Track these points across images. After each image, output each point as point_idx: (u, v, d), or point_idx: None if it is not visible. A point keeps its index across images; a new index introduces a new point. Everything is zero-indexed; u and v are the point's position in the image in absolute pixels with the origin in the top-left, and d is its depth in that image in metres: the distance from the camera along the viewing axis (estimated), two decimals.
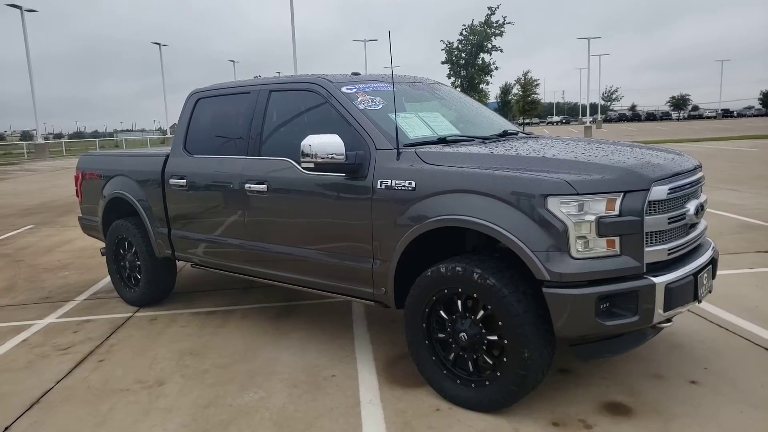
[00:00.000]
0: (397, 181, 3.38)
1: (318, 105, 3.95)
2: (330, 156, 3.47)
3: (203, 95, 4.85)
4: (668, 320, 3.07)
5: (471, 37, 25.69)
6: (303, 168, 3.61)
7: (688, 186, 3.19)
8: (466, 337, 3.16)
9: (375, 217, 3.49)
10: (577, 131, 48.38)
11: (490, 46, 25.67)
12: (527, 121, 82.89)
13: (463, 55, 26.25)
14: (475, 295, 3.08)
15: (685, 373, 3.54)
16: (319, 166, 3.51)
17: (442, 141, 3.72)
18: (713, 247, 3.53)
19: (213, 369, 3.96)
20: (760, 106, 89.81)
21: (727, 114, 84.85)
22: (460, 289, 3.13)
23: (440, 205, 3.19)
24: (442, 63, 26.80)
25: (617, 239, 2.86)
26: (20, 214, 12.02)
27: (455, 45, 26.30)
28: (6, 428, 3.28)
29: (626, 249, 2.87)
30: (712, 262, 3.40)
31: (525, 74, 48.78)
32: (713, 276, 3.45)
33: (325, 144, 3.47)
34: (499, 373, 3.07)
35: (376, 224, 3.48)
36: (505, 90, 63.01)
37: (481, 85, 27.01)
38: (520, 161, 3.15)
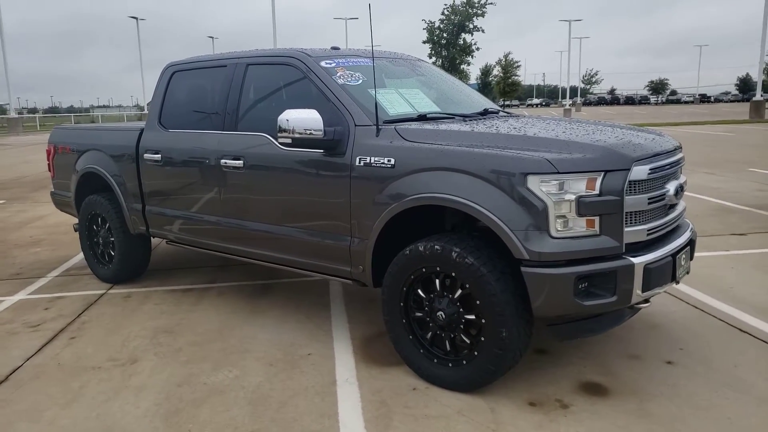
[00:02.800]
0: (376, 158, 3.31)
1: (296, 80, 3.85)
2: (308, 131, 3.39)
3: (179, 68, 4.71)
4: (646, 301, 3.07)
5: (453, 17, 25.47)
6: (280, 143, 3.52)
7: (668, 167, 3.17)
8: (443, 316, 3.13)
9: (353, 194, 3.42)
10: (557, 114, 48.57)
11: (471, 26, 25.49)
12: (507, 102, 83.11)
13: (445, 35, 26.04)
14: (453, 274, 3.05)
15: (662, 353, 3.57)
16: (297, 142, 3.43)
17: (423, 118, 3.65)
18: (691, 229, 3.54)
19: (187, 347, 3.90)
20: (736, 92, 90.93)
21: (704, 99, 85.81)
22: (438, 268, 3.10)
23: (419, 183, 3.14)
24: (424, 42, 26.64)
25: (597, 219, 2.85)
26: None
27: (437, 24, 26.08)
28: None
29: (606, 229, 2.86)
30: (690, 244, 3.40)
31: (506, 56, 48.76)
32: (691, 257, 3.46)
33: (303, 119, 3.38)
34: (476, 353, 3.05)
35: (354, 202, 3.42)
36: (486, 71, 62.95)
37: (462, 66, 26.86)
38: (500, 139, 3.10)
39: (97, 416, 3.05)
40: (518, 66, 50.13)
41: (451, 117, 3.77)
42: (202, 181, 4.30)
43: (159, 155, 4.57)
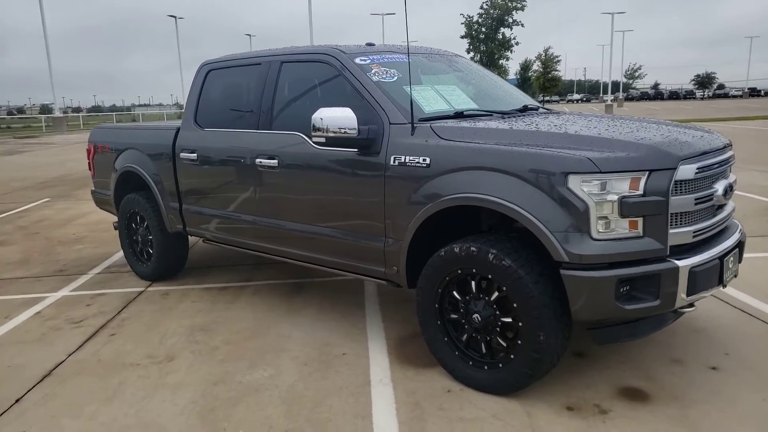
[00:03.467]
0: (411, 157, 3.27)
1: (331, 77, 3.83)
2: (342, 130, 3.36)
3: (214, 67, 4.75)
4: (691, 305, 2.95)
5: (492, 11, 25.13)
6: (314, 143, 3.51)
7: (717, 165, 3.04)
8: (479, 319, 3.08)
9: (388, 194, 3.39)
10: (598, 110, 47.54)
11: (510, 20, 25.10)
12: (547, 98, 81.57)
13: (483, 29, 25.70)
14: (489, 276, 2.99)
15: (705, 358, 3.43)
16: (331, 141, 3.41)
17: (459, 115, 3.59)
18: (740, 230, 3.39)
19: (223, 345, 3.93)
20: None
21: (754, 93, 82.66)
22: (474, 270, 3.04)
23: (455, 183, 3.08)
24: (462, 37, 26.32)
25: (640, 220, 2.74)
26: (37, 187, 12.10)
27: (475, 19, 25.74)
28: (17, 400, 3.29)
29: (649, 230, 2.75)
30: (739, 246, 3.26)
31: (546, 50, 47.80)
32: (739, 260, 3.32)
33: (337, 118, 3.36)
34: (512, 356, 2.99)
35: (389, 202, 3.39)
36: (525, 66, 61.96)
37: (500, 61, 26.47)
38: (540, 137, 3.02)
39: (136, 413, 3.10)
40: (558, 61, 49.16)
41: (489, 114, 3.70)
42: (238, 180, 4.33)
43: (195, 154, 4.62)
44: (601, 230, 2.73)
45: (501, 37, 25.45)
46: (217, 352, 3.83)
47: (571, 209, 2.72)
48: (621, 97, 64.04)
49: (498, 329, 3.05)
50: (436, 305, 3.25)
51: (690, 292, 2.81)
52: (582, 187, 2.71)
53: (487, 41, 25.28)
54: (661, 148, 2.83)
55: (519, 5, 24.45)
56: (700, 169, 2.87)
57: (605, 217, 2.72)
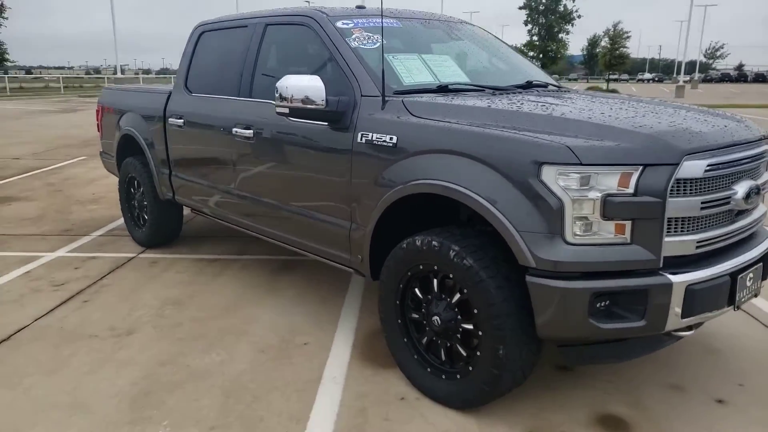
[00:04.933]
0: (378, 135, 2.89)
1: (311, 42, 3.47)
2: (308, 101, 3.01)
3: (207, 28, 4.46)
4: (690, 328, 2.48)
5: None
6: (278, 113, 3.17)
7: (739, 162, 2.51)
8: (439, 322, 2.71)
9: (354, 174, 3.03)
10: (669, 91, 44.83)
11: None
12: (615, 77, 77.41)
13: (544, 0, 24.34)
14: (451, 276, 2.60)
15: (713, 388, 2.94)
16: (295, 112, 3.07)
17: (444, 89, 3.16)
18: None
19: (188, 322, 3.72)
20: None
21: None
22: (435, 267, 2.66)
23: (420, 167, 2.69)
24: (519, 8, 24.99)
25: (628, 224, 2.29)
26: (80, 145, 12.34)
27: None
28: None
29: (639, 237, 2.29)
30: (765, 259, 2.72)
31: (615, 25, 45.02)
32: (765, 276, 2.78)
33: (303, 87, 3.01)
34: (471, 368, 2.61)
35: (355, 183, 3.03)
36: (593, 42, 59.02)
37: (560, 34, 25.02)
38: (519, 118, 2.58)
39: (72, 389, 2.93)
40: (628, 37, 46.25)
41: (480, 89, 3.24)
42: (218, 150, 4.07)
43: (182, 120, 4.38)
44: (578, 233, 2.29)
45: (562, 9, 23.99)
46: (179, 329, 3.63)
47: (543, 206, 2.29)
48: (697, 78, 60.22)
49: (459, 336, 2.67)
50: (398, 302, 2.90)
51: (687, 313, 2.34)
52: (558, 180, 2.27)
53: (547, 13, 23.88)
54: (662, 138, 2.34)
55: None
56: (714, 166, 2.37)
57: (585, 218, 2.28)
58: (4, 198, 7.36)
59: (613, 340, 2.51)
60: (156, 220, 5.10)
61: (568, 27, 24.90)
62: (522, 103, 2.80)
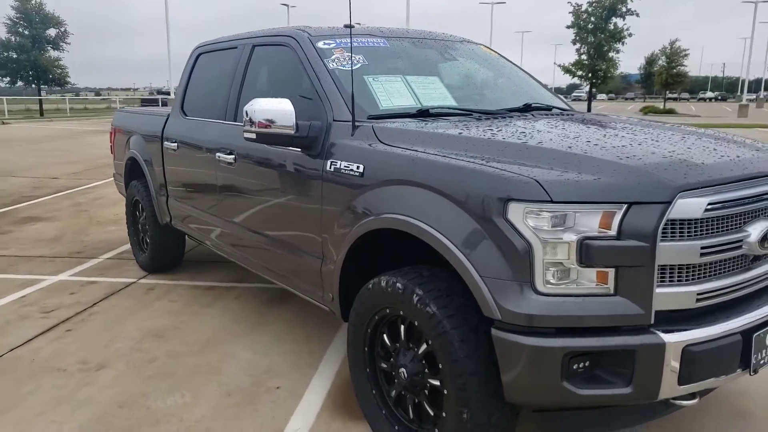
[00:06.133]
0: (346, 163, 2.63)
1: (292, 62, 3.26)
2: (277, 125, 2.78)
3: (204, 50, 4.34)
4: (692, 396, 2.08)
5: None
6: (245, 138, 2.95)
7: (753, 199, 2.12)
8: (405, 375, 2.40)
9: (324, 204, 2.78)
10: (731, 110, 42.89)
11: (624, 9, 22.84)
12: (674, 96, 74.69)
13: (592, 18, 23.62)
14: (415, 323, 2.30)
15: None
16: (262, 137, 2.84)
17: (424, 114, 2.87)
18: None
19: (163, 358, 3.52)
20: None
21: None
22: (401, 312, 2.36)
23: (385, 199, 2.41)
24: (567, 27, 24.37)
25: (611, 272, 1.93)
26: None
27: (584, 8, 23.73)
28: None
29: (624, 287, 1.93)
30: None
31: (672, 43, 43.52)
32: None
33: (271, 111, 2.78)
34: (436, 430, 2.28)
35: (325, 214, 2.78)
36: (651, 60, 57.23)
37: (610, 53, 24.20)
38: (491, 148, 2.26)
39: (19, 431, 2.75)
40: (686, 55, 44.60)
41: (466, 113, 2.94)
42: (206, 175, 3.89)
43: (175, 144, 4.25)
44: (551, 281, 1.95)
45: (612, 27, 23.18)
46: (151, 365, 3.43)
47: (510, 249, 1.97)
48: (762, 96, 57.51)
49: (426, 392, 2.35)
50: (366, 348, 2.61)
51: (685, 379, 1.95)
52: (526, 220, 1.94)
53: (596, 32, 23.13)
54: (652, 171, 1.98)
55: None
56: (716, 205, 1.99)
57: (560, 264, 1.94)
58: (29, 218, 7.47)
59: (602, 406, 2.14)
60: (156, 244, 4.99)
61: (618, 46, 24.06)
62: (500, 130, 2.48)
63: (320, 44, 3.14)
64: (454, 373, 2.11)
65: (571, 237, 1.91)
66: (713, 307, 2.08)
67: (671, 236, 1.94)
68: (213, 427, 2.79)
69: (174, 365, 3.43)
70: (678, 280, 1.98)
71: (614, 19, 23.84)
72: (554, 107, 3.40)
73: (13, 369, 3.40)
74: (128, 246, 6.01)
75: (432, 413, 2.33)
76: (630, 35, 24.05)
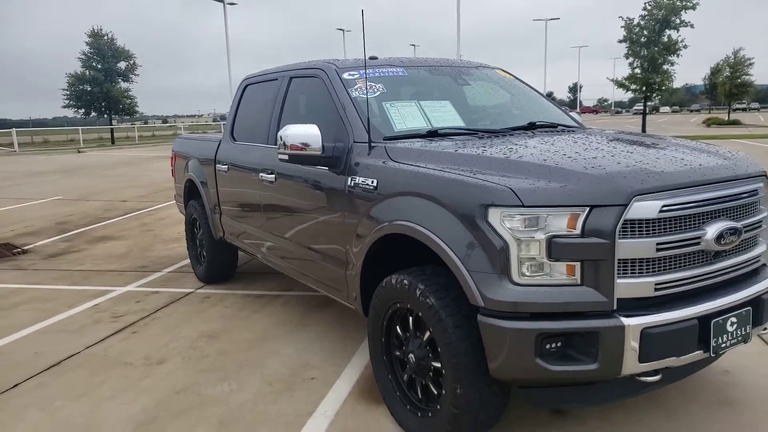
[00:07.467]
0: (363, 179, 3.06)
1: (322, 91, 3.73)
2: (306, 147, 3.25)
3: (250, 81, 4.89)
4: (655, 372, 2.36)
5: (655, 12, 22.71)
6: (279, 159, 3.43)
7: (710, 202, 2.40)
8: (413, 360, 2.78)
9: (346, 215, 3.21)
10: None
11: (678, 21, 22.46)
12: (742, 106, 71.63)
13: (645, 32, 23.33)
14: (419, 314, 2.68)
15: None
16: (293, 158, 3.32)
17: (433, 134, 3.28)
18: None
19: (215, 355, 4.02)
20: None
21: None
22: (408, 305, 2.75)
23: (394, 208, 2.82)
24: (619, 42, 24.18)
25: (578, 265, 2.26)
26: None
27: (636, 21, 23.49)
28: (16, 385, 3.66)
29: (589, 278, 2.26)
30: (757, 303, 2.54)
31: (735, 53, 42.09)
32: (761, 320, 2.59)
33: (300, 135, 3.25)
34: (438, 406, 2.64)
35: (347, 223, 3.21)
36: (716, 71, 55.52)
37: (664, 66, 23.78)
38: (480, 162, 2.64)
39: (91, 413, 3.28)
40: (750, 64, 43.00)
41: (472, 132, 3.33)
42: (251, 194, 4.41)
43: (226, 166, 4.80)
44: (527, 274, 2.30)
45: (666, 39, 22.79)
46: (204, 360, 3.93)
47: (490, 247, 2.33)
48: None
49: (431, 374, 2.72)
50: (382, 339, 3.00)
51: (645, 357, 2.25)
52: (503, 222, 2.31)
53: (649, 45, 22.81)
54: (610, 179, 2.31)
55: (689, 4, 21.56)
56: (670, 207, 2.29)
57: (533, 259, 2.29)
58: (101, 237, 8.27)
59: (580, 383, 2.45)
60: (212, 257, 5.55)
61: (673, 58, 23.59)
62: (492, 146, 2.85)
63: (345, 75, 3.61)
64: (449, 354, 2.47)
65: (542, 236, 2.26)
66: (677, 295, 2.36)
67: (630, 234, 2.25)
68: (255, 408, 3.24)
69: (224, 360, 3.91)
70: (638, 272, 2.28)
71: (668, 32, 23.47)
72: (560, 125, 3.73)
73: (88, 363, 3.97)
74: (188, 261, 6.64)
75: (435, 392, 2.69)
76: (685, 47, 23.59)
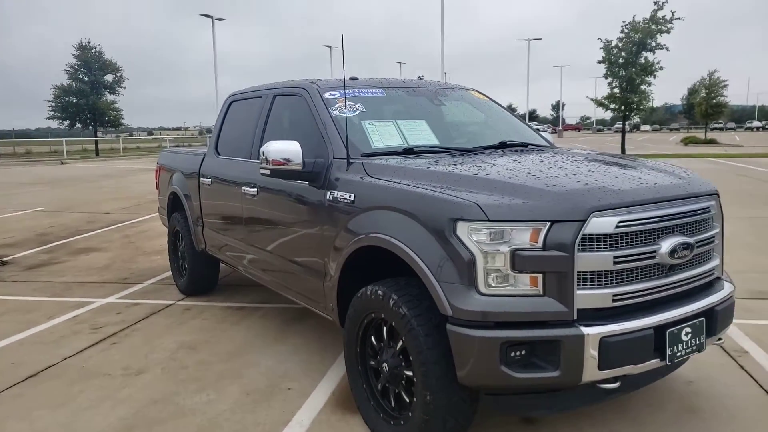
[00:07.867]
0: (341, 193, 3.17)
1: (304, 109, 3.86)
2: (287, 162, 3.36)
3: (235, 98, 5.01)
4: (614, 379, 2.48)
5: (632, 34, 23.34)
6: (261, 174, 3.54)
7: (664, 218, 2.55)
8: (387, 368, 2.88)
9: (324, 228, 3.32)
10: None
11: (654, 44, 23.13)
12: (719, 125, 73.33)
13: (623, 53, 23.97)
14: (393, 324, 2.78)
15: None
16: (274, 173, 3.43)
17: (409, 152, 3.41)
18: (726, 295, 2.80)
19: (194, 365, 4.07)
20: None
21: None
22: (382, 315, 2.85)
23: (370, 222, 2.93)
24: (599, 62, 24.80)
25: (540, 277, 2.39)
26: None
27: (614, 43, 24.11)
28: None
29: (551, 289, 2.39)
30: (710, 314, 2.69)
31: (710, 74, 43.22)
32: (714, 331, 2.73)
33: (281, 150, 3.37)
34: (410, 414, 2.74)
35: (325, 236, 3.32)
36: (693, 91, 56.90)
37: (642, 86, 24.41)
38: (450, 179, 2.77)
39: (69, 423, 3.31)
40: (725, 86, 44.14)
41: (445, 150, 3.47)
42: (234, 206, 4.50)
43: (210, 180, 4.89)
44: (492, 284, 2.42)
45: (643, 61, 23.47)
46: (183, 371, 3.98)
47: (458, 259, 2.46)
48: None
49: (403, 382, 2.82)
50: (358, 349, 3.10)
51: (604, 366, 2.38)
52: (471, 235, 2.43)
53: (627, 66, 23.47)
54: (570, 196, 2.45)
55: (663, 28, 22.25)
56: (627, 222, 2.44)
57: (498, 270, 2.41)
58: (84, 249, 8.27)
59: (544, 390, 2.56)
60: (193, 269, 5.61)
61: (650, 79, 24.28)
62: (462, 164, 2.99)
63: (327, 95, 3.74)
64: (420, 362, 2.58)
65: (506, 249, 2.39)
66: (635, 306, 2.50)
67: (589, 248, 2.39)
68: (231, 418, 3.30)
69: (203, 371, 3.97)
70: (596, 284, 2.42)
71: (644, 54, 24.10)
72: (530, 144, 3.89)
73: (65, 374, 4.00)
74: (170, 273, 6.68)
75: (407, 400, 2.79)
76: (661, 68, 24.25)
